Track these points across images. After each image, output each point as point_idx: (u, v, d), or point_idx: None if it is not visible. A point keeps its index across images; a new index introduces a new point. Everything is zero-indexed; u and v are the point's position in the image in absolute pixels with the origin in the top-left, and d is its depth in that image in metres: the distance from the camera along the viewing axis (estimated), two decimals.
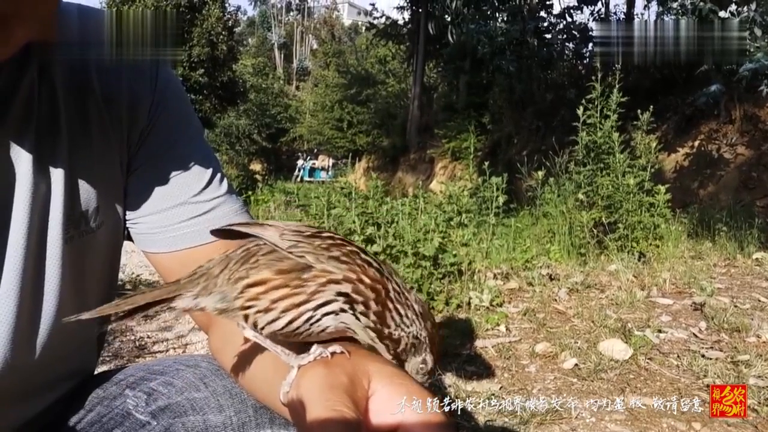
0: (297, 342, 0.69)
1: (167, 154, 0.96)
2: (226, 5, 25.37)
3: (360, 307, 0.65)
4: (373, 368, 0.62)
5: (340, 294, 0.65)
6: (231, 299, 0.67)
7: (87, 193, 0.90)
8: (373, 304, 0.66)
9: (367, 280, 0.66)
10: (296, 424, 0.61)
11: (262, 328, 0.66)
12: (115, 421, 0.94)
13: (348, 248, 0.68)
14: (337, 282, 0.65)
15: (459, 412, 2.29)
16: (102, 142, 0.90)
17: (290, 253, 0.66)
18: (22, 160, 0.81)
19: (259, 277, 0.66)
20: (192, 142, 0.99)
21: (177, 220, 0.95)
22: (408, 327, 0.68)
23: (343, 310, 0.65)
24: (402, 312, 0.68)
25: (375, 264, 0.68)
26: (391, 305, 0.67)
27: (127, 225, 0.99)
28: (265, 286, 0.65)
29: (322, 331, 0.66)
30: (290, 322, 0.65)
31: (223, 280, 0.68)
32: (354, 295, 0.65)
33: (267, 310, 0.65)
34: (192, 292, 0.70)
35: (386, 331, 0.67)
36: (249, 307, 0.66)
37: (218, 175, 0.99)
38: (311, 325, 0.65)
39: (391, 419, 0.58)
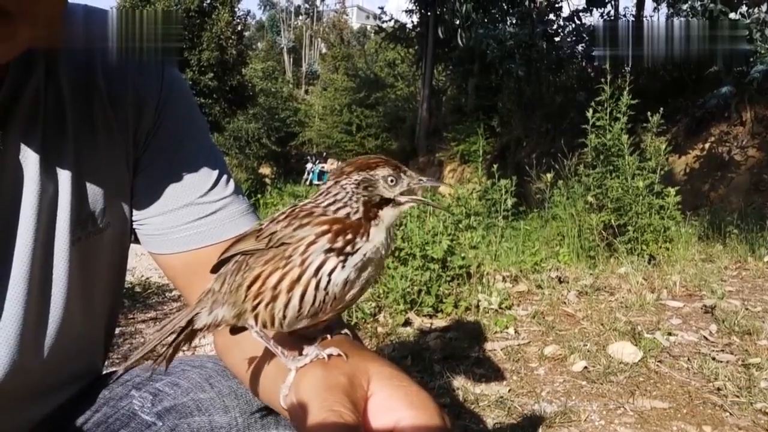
0: (315, 327, 0.70)
1: (174, 155, 0.96)
2: (236, 9, 25.46)
3: (347, 248, 0.65)
4: (373, 369, 0.61)
5: (327, 251, 0.64)
6: (240, 306, 0.69)
7: (94, 194, 0.90)
8: (350, 236, 0.65)
9: (336, 226, 0.65)
10: (296, 426, 0.60)
11: (282, 317, 0.66)
12: (121, 422, 0.94)
13: (302, 212, 0.68)
14: (313, 242, 0.64)
15: (464, 415, 2.28)
16: (108, 142, 0.90)
17: (270, 248, 0.67)
18: (29, 162, 0.81)
19: (252, 276, 0.67)
20: (198, 142, 0.99)
21: (183, 221, 0.95)
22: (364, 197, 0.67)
23: (343, 262, 0.65)
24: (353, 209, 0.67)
25: (322, 206, 0.68)
26: (352, 226, 0.66)
27: (134, 226, 0.99)
28: (260, 280, 0.66)
29: (344, 286, 0.65)
30: (303, 296, 0.64)
31: (226, 292, 0.70)
32: (336, 245, 0.65)
33: (275, 299, 0.65)
34: (206, 308, 0.72)
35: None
36: (258, 305, 0.67)
37: (225, 176, 0.99)
38: (326, 289, 0.64)
39: (388, 421, 0.57)
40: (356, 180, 0.67)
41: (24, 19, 0.64)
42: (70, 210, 0.86)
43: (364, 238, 0.65)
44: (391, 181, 0.67)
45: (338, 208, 0.66)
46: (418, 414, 0.57)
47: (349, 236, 0.65)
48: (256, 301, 0.67)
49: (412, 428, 0.56)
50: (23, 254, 0.82)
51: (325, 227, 0.65)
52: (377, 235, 0.66)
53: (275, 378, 0.74)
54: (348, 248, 0.65)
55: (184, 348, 0.77)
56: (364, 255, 0.66)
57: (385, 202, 0.67)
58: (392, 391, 0.59)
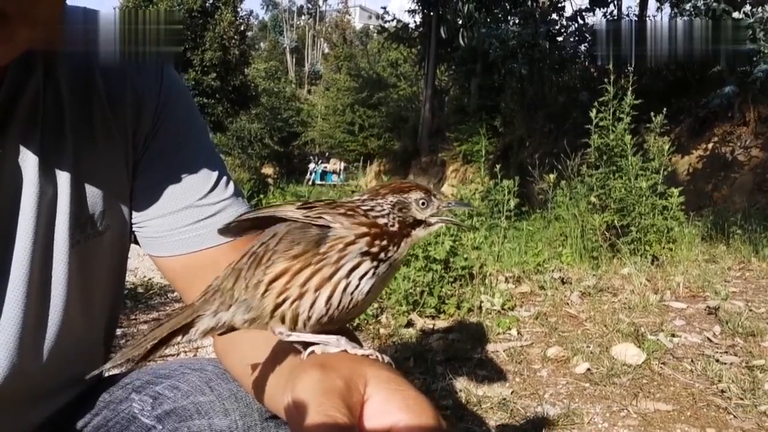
0: (339, 323, 0.68)
1: (173, 157, 0.96)
2: (239, 9, 25.52)
3: (381, 255, 0.66)
4: (370, 373, 0.61)
5: (363, 254, 0.65)
6: (258, 304, 0.65)
7: (93, 196, 0.89)
8: (385, 242, 0.67)
9: (375, 230, 0.67)
10: (292, 429, 0.60)
11: (307, 318, 0.64)
12: (121, 425, 0.93)
13: (345, 207, 0.69)
14: (353, 242, 0.65)
15: (467, 417, 2.27)
16: (107, 144, 0.90)
17: (308, 218, 0.66)
18: (28, 164, 0.81)
19: (278, 269, 0.64)
20: (198, 143, 0.99)
21: (183, 224, 0.94)
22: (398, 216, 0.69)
23: (375, 268, 0.66)
24: (391, 222, 0.69)
25: (362, 209, 0.69)
26: (388, 233, 0.68)
27: (134, 228, 0.98)
28: (288, 274, 0.64)
29: (367, 294, 0.66)
30: (330, 297, 0.63)
31: (240, 290, 0.66)
32: (372, 249, 0.66)
33: (301, 296, 0.63)
34: (210, 310, 0.68)
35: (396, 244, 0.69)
36: (282, 303, 0.64)
37: (224, 178, 0.98)
38: (352, 294, 0.64)
39: (384, 424, 0.57)
40: (392, 201, 0.70)
41: (23, 20, 0.64)
42: (69, 213, 0.85)
43: (396, 248, 0.68)
44: (423, 204, 0.71)
45: (377, 216, 0.68)
46: (414, 417, 0.56)
47: (384, 242, 0.67)
48: (281, 298, 0.64)
49: (407, 430, 0.55)
50: (22, 257, 0.81)
51: (364, 229, 0.66)
52: (405, 248, 0.70)
53: (275, 380, 0.74)
54: (382, 255, 0.66)
55: (180, 341, 0.72)
56: (390, 265, 0.68)
57: (417, 223, 0.71)
58: (389, 394, 0.58)
